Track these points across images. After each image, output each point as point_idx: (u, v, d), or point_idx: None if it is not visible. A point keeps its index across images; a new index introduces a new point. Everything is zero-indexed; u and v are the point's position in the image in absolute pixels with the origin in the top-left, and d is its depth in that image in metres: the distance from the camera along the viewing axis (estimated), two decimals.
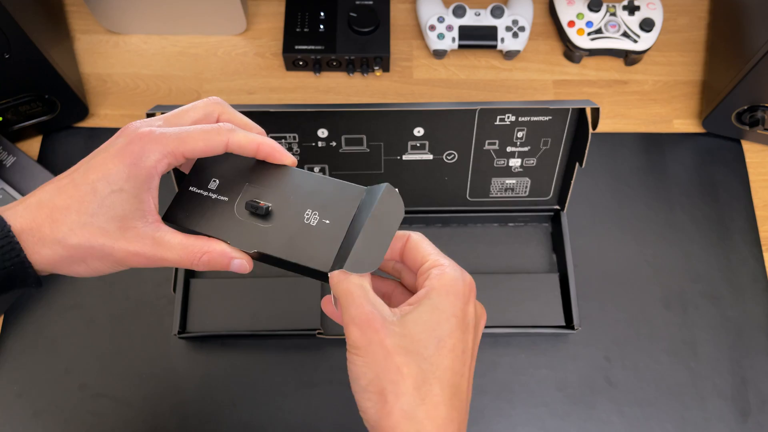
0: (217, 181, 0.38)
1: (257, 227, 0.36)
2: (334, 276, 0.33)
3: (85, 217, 0.33)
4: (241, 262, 0.36)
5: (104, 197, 0.33)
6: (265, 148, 0.36)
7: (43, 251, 0.33)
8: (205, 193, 0.38)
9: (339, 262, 0.34)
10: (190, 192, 0.38)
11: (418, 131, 0.55)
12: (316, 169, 0.58)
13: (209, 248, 0.35)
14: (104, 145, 0.35)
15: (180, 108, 0.37)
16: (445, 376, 0.32)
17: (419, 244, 0.36)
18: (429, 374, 0.31)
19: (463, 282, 0.34)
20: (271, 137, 0.56)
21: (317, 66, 0.69)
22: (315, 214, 0.36)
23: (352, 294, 0.32)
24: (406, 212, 0.62)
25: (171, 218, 0.37)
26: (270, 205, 0.36)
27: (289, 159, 0.37)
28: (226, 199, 0.37)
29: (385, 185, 0.35)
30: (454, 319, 0.33)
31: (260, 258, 0.36)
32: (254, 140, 0.36)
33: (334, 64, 0.69)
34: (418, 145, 0.56)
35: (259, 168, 0.38)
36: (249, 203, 0.36)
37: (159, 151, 0.34)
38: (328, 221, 0.35)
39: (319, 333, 0.57)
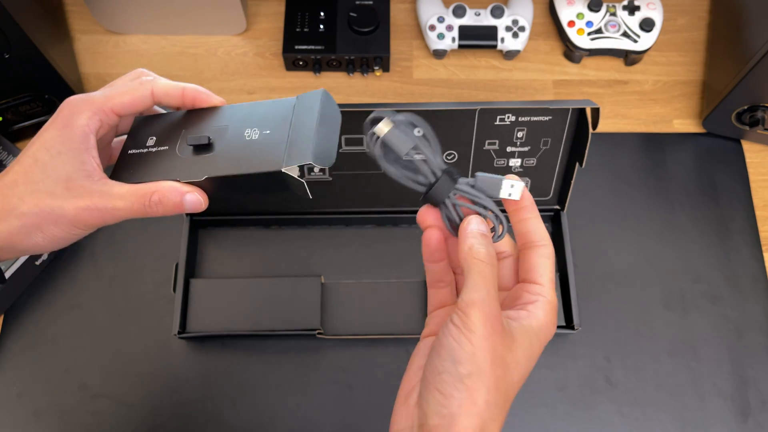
0: (154, 137, 0.38)
1: (202, 158, 0.36)
2: (474, 251, 0.31)
3: (32, 185, 0.34)
4: (194, 197, 0.36)
5: (46, 163, 0.34)
6: (190, 92, 0.38)
7: None
8: (145, 150, 0.38)
9: (290, 159, 0.34)
10: (129, 155, 0.38)
11: (418, 131, 0.55)
12: (316, 169, 0.58)
13: (158, 187, 0.35)
14: None
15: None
16: (509, 403, 0.31)
17: (544, 260, 0.34)
18: (506, 397, 0.31)
19: (554, 328, 0.34)
20: None
21: (317, 66, 0.69)
22: (255, 130, 0.36)
23: (486, 277, 0.30)
24: (407, 212, 0.62)
25: (116, 180, 0.37)
26: (210, 136, 0.36)
27: (216, 99, 0.38)
28: (167, 147, 0.37)
29: (320, 90, 0.36)
30: (535, 360, 0.33)
31: (214, 188, 0.36)
32: (178, 85, 0.37)
33: (334, 64, 0.69)
34: None
35: (191, 116, 0.38)
36: (190, 138, 0.36)
37: (88, 110, 0.35)
38: (268, 131, 0.36)
39: (319, 333, 0.57)
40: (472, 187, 0.34)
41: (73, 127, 0.35)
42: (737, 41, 0.62)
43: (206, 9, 0.68)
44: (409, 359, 0.37)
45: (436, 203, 0.34)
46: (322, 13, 0.69)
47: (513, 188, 0.34)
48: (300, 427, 0.56)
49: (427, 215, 0.35)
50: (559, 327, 0.58)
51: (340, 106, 0.53)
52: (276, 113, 0.36)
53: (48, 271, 0.61)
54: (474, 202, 0.34)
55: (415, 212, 0.61)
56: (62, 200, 0.34)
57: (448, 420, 0.28)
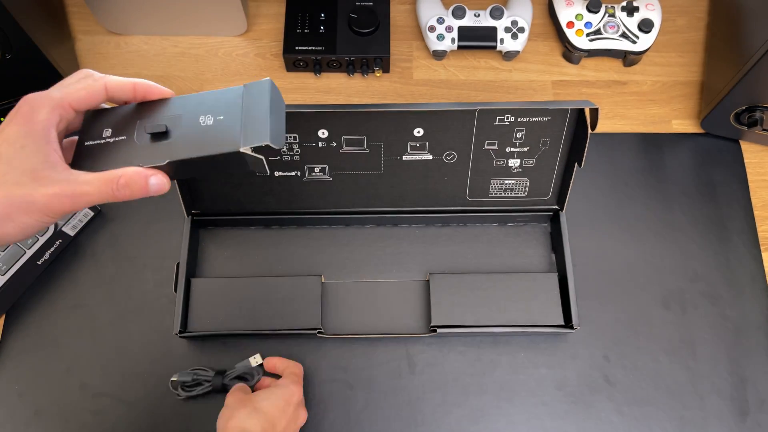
0: (110, 129, 0.40)
1: (161, 145, 0.38)
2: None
3: None
4: (158, 179, 0.38)
5: (10, 157, 0.35)
6: (141, 87, 0.40)
7: None
8: (103, 141, 0.39)
9: (248, 141, 0.37)
10: (86, 146, 0.40)
11: (418, 131, 0.56)
12: (317, 169, 0.58)
13: (123, 172, 0.37)
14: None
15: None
16: (280, 401, 0.53)
17: (295, 370, 0.56)
18: (255, 405, 0.52)
19: (295, 395, 0.54)
20: None
21: (317, 67, 0.69)
22: (208, 116, 0.39)
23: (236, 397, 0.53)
24: (407, 212, 0.62)
25: (78, 169, 0.38)
26: (166, 124, 0.39)
27: (166, 91, 0.41)
28: (124, 137, 0.39)
29: (267, 80, 0.39)
30: (288, 409, 0.53)
31: (176, 171, 0.38)
32: (129, 80, 0.39)
33: (335, 64, 0.69)
34: (417, 145, 0.57)
35: (143, 107, 0.40)
36: (148, 127, 0.38)
37: (47, 105, 0.37)
38: (222, 117, 0.38)
39: (319, 332, 0.57)
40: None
41: (35, 122, 0.36)
42: (736, 42, 0.62)
43: (207, 10, 0.69)
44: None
45: None
46: (322, 14, 0.70)
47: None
48: (300, 427, 0.56)
49: None
50: (557, 326, 0.58)
51: (341, 107, 0.54)
52: (226, 100, 0.39)
53: (49, 270, 0.62)
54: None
55: (415, 212, 0.62)
56: (31, 189, 0.35)
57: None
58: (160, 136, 0.38)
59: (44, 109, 0.37)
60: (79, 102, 0.38)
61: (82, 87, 0.38)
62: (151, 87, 0.40)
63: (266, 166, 0.38)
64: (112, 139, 0.39)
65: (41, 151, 0.36)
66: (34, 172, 0.35)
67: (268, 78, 0.39)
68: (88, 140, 0.40)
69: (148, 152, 0.38)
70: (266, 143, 0.36)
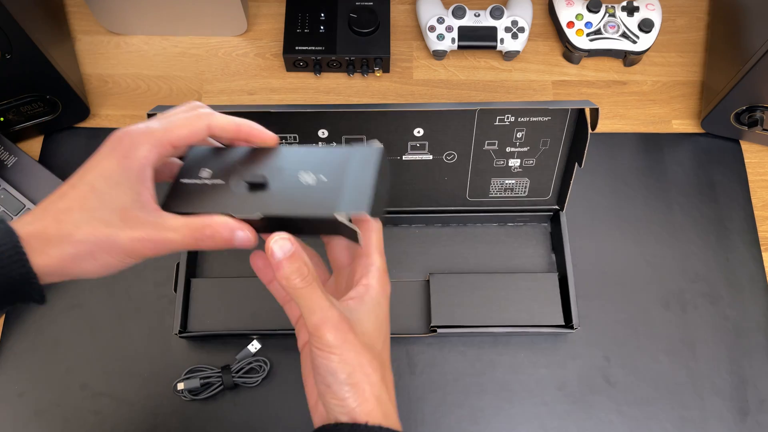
0: (209, 170, 0.39)
1: (257, 196, 0.37)
2: (290, 284, 0.35)
3: (88, 213, 0.34)
4: (244, 234, 0.36)
5: (103, 193, 0.35)
6: (245, 128, 0.39)
7: (51, 252, 0.34)
8: (200, 182, 0.39)
9: (345, 208, 0.35)
10: (182, 184, 0.39)
11: (418, 131, 0.56)
12: None
13: (211, 221, 0.36)
14: (97, 150, 0.37)
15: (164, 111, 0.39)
16: (387, 363, 0.38)
17: (368, 233, 0.39)
18: (383, 365, 0.37)
19: (389, 284, 0.39)
20: None
21: (317, 67, 0.69)
22: (310, 174, 0.37)
23: (311, 296, 0.35)
24: (406, 212, 0.62)
25: (168, 208, 0.38)
26: (266, 175, 0.37)
27: (270, 137, 0.39)
28: (222, 182, 0.38)
29: (377, 146, 0.37)
30: (387, 319, 0.39)
31: (265, 227, 0.37)
32: (233, 120, 0.38)
33: (335, 64, 0.69)
34: (418, 145, 0.57)
35: (248, 154, 0.39)
36: (246, 175, 0.37)
37: (147, 142, 0.36)
38: (324, 178, 0.37)
39: None
40: None
41: (133, 159, 0.35)
42: (736, 42, 0.62)
43: (207, 10, 0.69)
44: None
45: None
46: (322, 14, 0.70)
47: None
48: (300, 426, 0.56)
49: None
50: (558, 326, 0.58)
51: (341, 107, 0.54)
52: (331, 161, 0.37)
53: None
54: None
55: (415, 212, 0.62)
56: (117, 230, 0.34)
57: (351, 415, 0.35)
58: (257, 186, 0.37)
59: (145, 147, 0.36)
60: (180, 140, 0.37)
61: (185, 125, 0.37)
62: (254, 130, 0.39)
63: (359, 239, 0.36)
64: (209, 182, 0.38)
65: (134, 189, 0.35)
66: (124, 212, 0.35)
67: (380, 146, 0.38)
68: (185, 177, 0.39)
69: (242, 202, 0.37)
70: (363, 213, 0.34)
